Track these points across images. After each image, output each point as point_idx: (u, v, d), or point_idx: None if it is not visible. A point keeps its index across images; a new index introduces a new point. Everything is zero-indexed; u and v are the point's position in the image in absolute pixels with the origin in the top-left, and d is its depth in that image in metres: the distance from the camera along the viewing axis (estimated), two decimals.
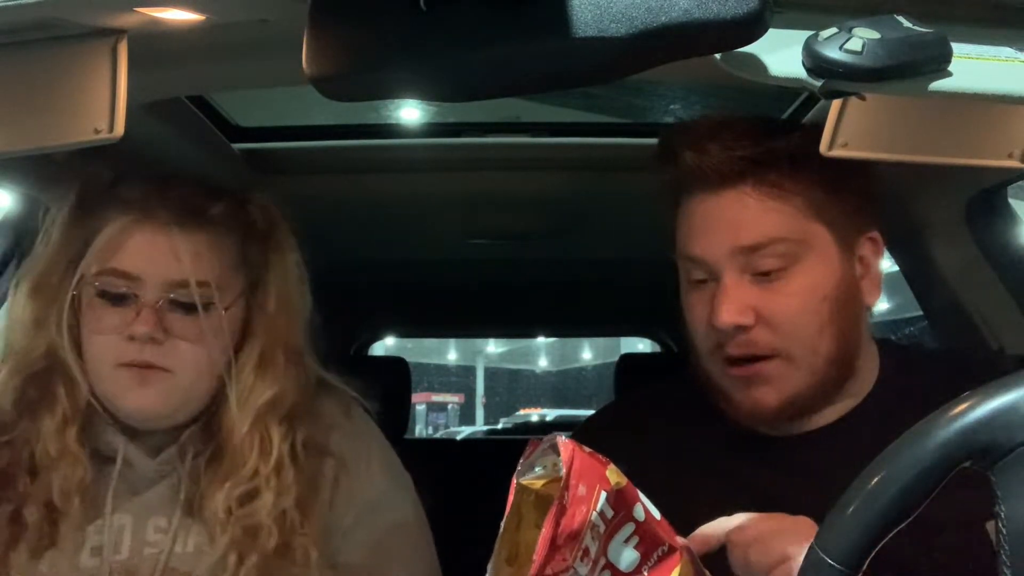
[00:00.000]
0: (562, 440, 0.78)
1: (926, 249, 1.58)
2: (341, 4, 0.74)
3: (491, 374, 26.46)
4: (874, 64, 0.70)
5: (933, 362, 1.20)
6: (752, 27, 0.69)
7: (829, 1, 0.77)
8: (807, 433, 1.13)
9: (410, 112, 2.01)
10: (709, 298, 1.10)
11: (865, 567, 0.62)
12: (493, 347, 23.93)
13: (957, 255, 1.54)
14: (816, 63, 0.71)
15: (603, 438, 1.15)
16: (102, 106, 0.89)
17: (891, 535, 0.62)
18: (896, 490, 0.61)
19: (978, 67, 0.75)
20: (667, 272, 1.18)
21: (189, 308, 1.18)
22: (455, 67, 0.73)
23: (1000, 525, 0.60)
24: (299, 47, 0.75)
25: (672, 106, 2.28)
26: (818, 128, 0.97)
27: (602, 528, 0.77)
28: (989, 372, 0.68)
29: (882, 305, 1.76)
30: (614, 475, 0.78)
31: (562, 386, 26.54)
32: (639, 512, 0.79)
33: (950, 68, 0.73)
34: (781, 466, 1.10)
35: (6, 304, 1.45)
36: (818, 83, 0.72)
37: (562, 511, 0.75)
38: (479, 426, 17.73)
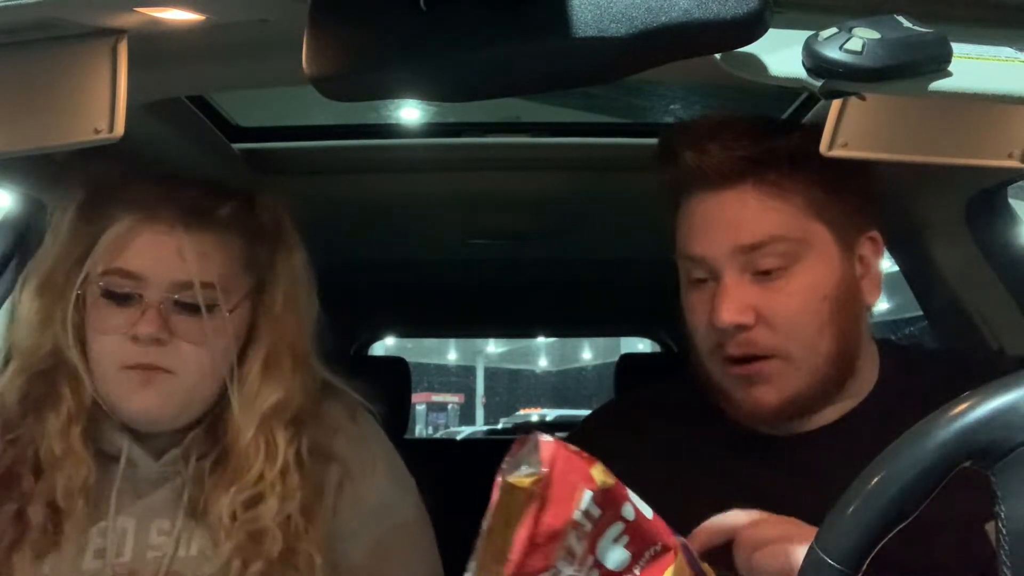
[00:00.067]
0: (544, 439, 0.78)
1: (926, 249, 1.58)
2: (341, 4, 0.74)
3: (491, 374, 26.47)
4: (874, 64, 0.70)
5: (933, 362, 1.20)
6: (752, 27, 0.69)
7: (829, 1, 0.77)
8: (807, 433, 1.13)
9: (410, 112, 2.01)
10: (709, 298, 1.10)
11: (865, 567, 0.62)
12: (493, 347, 23.94)
13: (957, 255, 1.54)
14: (816, 63, 0.71)
15: (603, 437, 1.15)
16: (102, 106, 0.89)
17: (891, 535, 0.62)
18: (896, 490, 0.61)
19: (978, 67, 0.75)
20: (667, 272, 1.18)
21: (193, 309, 1.17)
22: (455, 67, 0.73)
23: (1000, 525, 0.60)
24: (299, 47, 0.75)
25: (672, 106, 2.28)
26: (818, 128, 0.97)
27: (588, 528, 0.77)
28: (989, 372, 0.68)
29: (882, 305, 1.76)
30: (600, 474, 0.78)
31: (562, 386, 26.55)
32: (628, 511, 0.78)
33: (950, 68, 0.73)
34: (781, 466, 1.10)
35: (6, 304, 1.46)
36: (818, 83, 0.72)
37: (541, 510, 0.75)
38: (479, 426, 17.74)
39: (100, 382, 1.19)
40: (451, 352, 24.66)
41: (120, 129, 0.90)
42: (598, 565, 0.78)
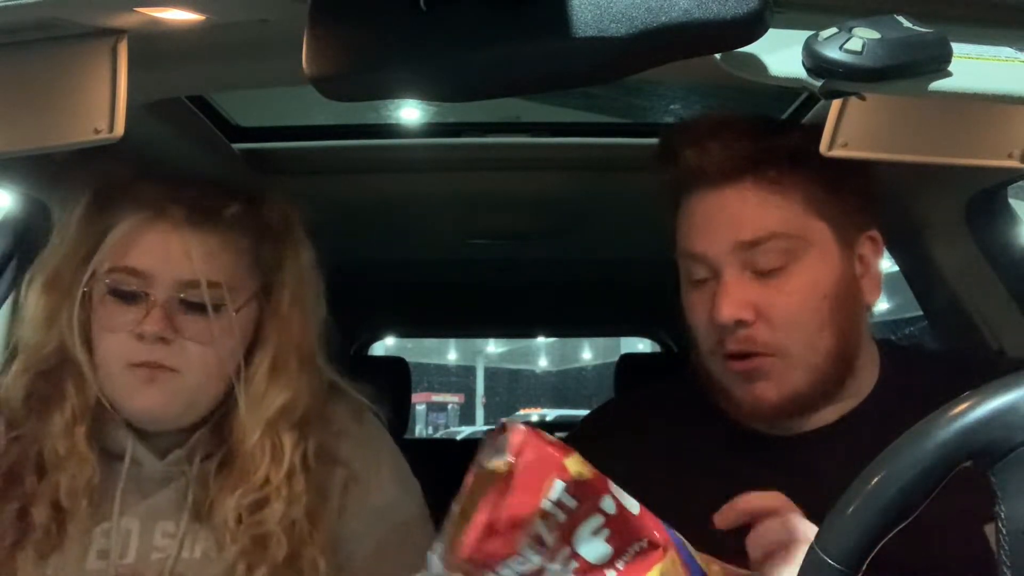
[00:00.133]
0: (515, 427, 0.78)
1: (926, 249, 1.58)
2: (341, 4, 0.74)
3: (491, 374, 26.48)
4: (874, 64, 0.70)
5: (933, 362, 1.20)
6: (752, 27, 0.69)
7: (829, 1, 0.77)
8: (807, 433, 1.13)
9: (410, 112, 2.01)
10: (710, 296, 1.10)
11: (865, 567, 0.62)
12: (493, 347, 23.95)
13: (957, 255, 1.54)
14: (816, 63, 0.71)
15: (602, 437, 1.15)
16: (102, 106, 0.89)
17: (891, 535, 0.62)
18: (896, 490, 0.61)
19: (978, 67, 0.75)
20: (667, 272, 1.18)
21: (200, 309, 1.17)
22: (455, 67, 0.73)
23: (1000, 525, 0.60)
24: (299, 47, 0.75)
25: (672, 106, 2.28)
26: (818, 128, 0.97)
27: (561, 518, 0.77)
28: (989, 373, 0.68)
29: (882, 305, 1.76)
30: (576, 465, 0.78)
31: (562, 386, 26.56)
32: (608, 504, 0.78)
33: (950, 68, 0.73)
34: (781, 466, 1.10)
35: (7, 303, 1.46)
36: (818, 83, 0.72)
37: (503, 496, 0.75)
38: (479, 426, 17.72)
39: (105, 380, 1.18)
40: (451, 352, 24.66)
41: (120, 129, 0.90)
42: (576, 556, 0.77)
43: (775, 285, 1.08)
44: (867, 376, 1.15)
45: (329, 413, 1.26)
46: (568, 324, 3.88)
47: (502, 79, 0.75)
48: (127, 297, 1.17)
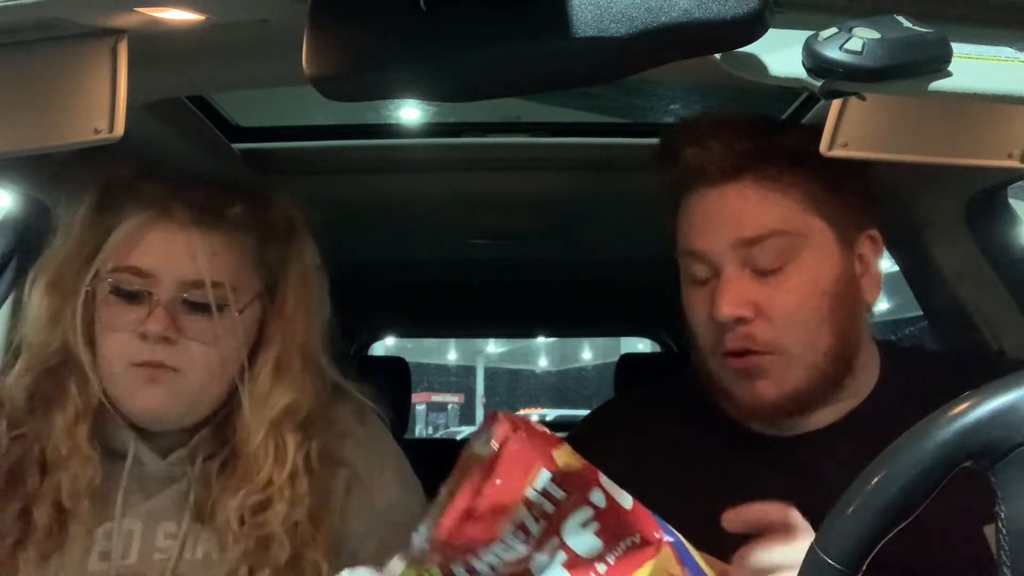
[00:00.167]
0: (501, 415, 0.78)
1: (926, 249, 1.58)
2: (341, 4, 0.74)
3: (491, 374, 26.48)
4: (874, 64, 0.70)
5: (933, 363, 1.20)
6: (752, 27, 0.69)
7: (829, 1, 0.77)
8: (807, 433, 1.13)
9: (410, 112, 2.00)
10: (710, 294, 1.10)
11: (865, 567, 0.62)
12: (493, 347, 23.96)
13: (957, 255, 1.54)
14: (816, 63, 0.71)
15: (603, 437, 1.15)
16: (102, 106, 0.89)
17: (891, 535, 0.62)
18: (896, 490, 0.61)
19: (978, 67, 0.75)
20: (667, 272, 1.18)
21: (203, 308, 1.16)
22: (455, 67, 0.73)
23: (1000, 525, 0.60)
24: (299, 47, 0.75)
25: (672, 106, 2.28)
26: (818, 128, 0.97)
27: (548, 508, 0.76)
28: (989, 373, 0.68)
29: (882, 305, 1.76)
30: (564, 456, 0.78)
31: (562, 386, 26.57)
32: (598, 498, 0.78)
33: (950, 68, 0.73)
34: (781, 466, 1.10)
35: (7, 303, 1.46)
36: (818, 83, 0.72)
37: (484, 483, 0.75)
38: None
39: (108, 380, 1.18)
40: (451, 352, 24.67)
41: (120, 129, 0.90)
42: (565, 548, 0.77)
43: (775, 283, 1.08)
44: (867, 376, 1.15)
45: (332, 414, 1.26)
46: (568, 324, 3.88)
47: (502, 79, 0.75)
48: (130, 297, 1.16)
